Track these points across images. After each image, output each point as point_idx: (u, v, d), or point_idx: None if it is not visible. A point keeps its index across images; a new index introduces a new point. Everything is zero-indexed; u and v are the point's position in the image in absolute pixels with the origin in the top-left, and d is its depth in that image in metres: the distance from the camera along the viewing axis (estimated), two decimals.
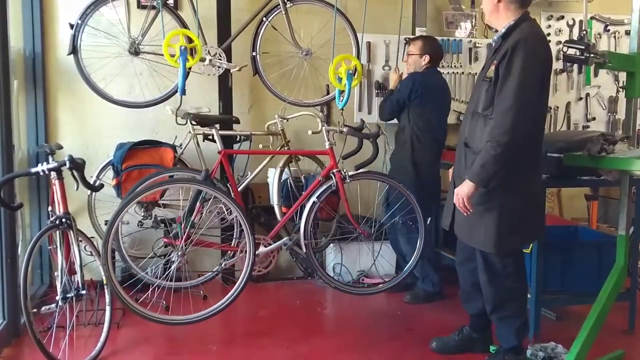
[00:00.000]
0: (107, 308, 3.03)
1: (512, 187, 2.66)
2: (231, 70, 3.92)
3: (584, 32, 2.81)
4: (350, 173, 3.54)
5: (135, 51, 3.71)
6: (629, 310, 3.39)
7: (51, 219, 3.01)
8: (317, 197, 3.48)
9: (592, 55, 2.74)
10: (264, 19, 4.04)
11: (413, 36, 4.28)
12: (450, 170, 3.08)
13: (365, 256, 4.21)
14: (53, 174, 2.87)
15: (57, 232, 2.88)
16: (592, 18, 4.80)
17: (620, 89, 4.67)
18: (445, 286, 3.93)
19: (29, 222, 3.90)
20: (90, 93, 3.72)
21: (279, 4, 3.98)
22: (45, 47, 3.95)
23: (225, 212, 3.60)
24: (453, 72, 4.53)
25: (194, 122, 3.61)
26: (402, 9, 4.33)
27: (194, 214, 3.33)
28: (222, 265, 3.54)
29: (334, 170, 3.51)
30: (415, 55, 3.89)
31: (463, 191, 2.63)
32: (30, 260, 2.72)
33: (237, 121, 3.91)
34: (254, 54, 4.05)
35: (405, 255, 3.94)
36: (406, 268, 3.72)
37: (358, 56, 4.00)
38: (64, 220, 2.85)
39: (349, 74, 3.60)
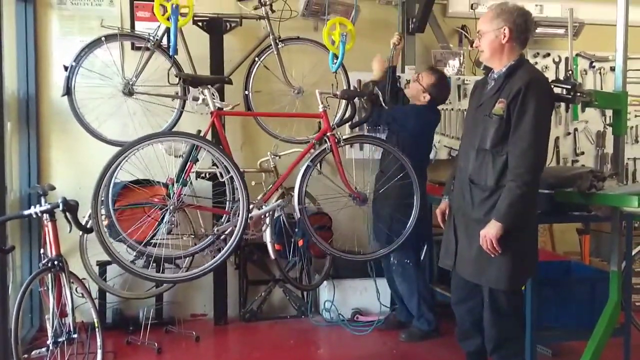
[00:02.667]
0: (99, 352, 2.98)
1: (524, 224, 2.71)
2: (224, 109, 3.95)
3: (570, 72, 2.87)
4: (344, 136, 3.48)
5: (129, 92, 3.75)
6: (623, 346, 3.37)
7: (43, 262, 2.99)
8: (311, 161, 3.41)
9: (578, 94, 2.80)
10: (257, 59, 4.11)
11: (431, 67, 4.29)
12: (442, 206, 3.10)
13: (359, 294, 4.19)
14: (46, 215, 2.86)
15: (49, 274, 2.86)
16: (577, 55, 4.91)
17: (608, 126, 4.74)
18: (441, 323, 3.90)
19: (20, 264, 3.86)
20: (84, 133, 3.73)
21: (271, 45, 4.06)
22: (39, 89, 3.99)
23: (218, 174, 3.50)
24: (443, 109, 4.57)
25: (186, 83, 3.52)
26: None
27: (186, 172, 3.26)
28: (216, 230, 3.45)
29: (328, 134, 3.43)
30: (419, 87, 3.85)
31: (491, 233, 2.62)
32: (22, 304, 2.69)
33: (230, 82, 3.75)
34: (246, 92, 4.11)
35: (401, 295, 3.93)
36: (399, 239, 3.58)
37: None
38: (56, 262, 2.84)
39: (343, 36, 3.55)
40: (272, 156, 3.93)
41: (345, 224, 4.32)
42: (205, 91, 3.39)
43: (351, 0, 4.27)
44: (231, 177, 3.30)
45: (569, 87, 2.78)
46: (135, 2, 4.16)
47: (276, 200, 3.80)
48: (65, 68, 3.61)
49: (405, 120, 3.80)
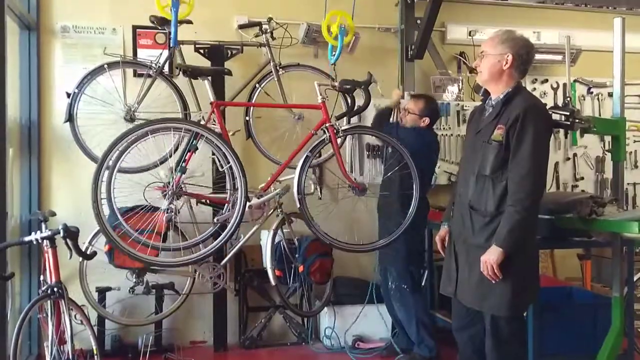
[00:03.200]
0: None
1: (525, 249, 2.71)
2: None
3: (569, 99, 2.90)
4: (342, 127, 3.49)
5: (130, 118, 3.77)
6: None
7: (43, 289, 2.97)
8: (310, 151, 3.43)
9: (577, 120, 2.83)
10: (257, 85, 4.15)
11: (415, 94, 4.34)
12: (442, 233, 3.10)
13: (359, 320, 4.16)
14: (46, 242, 2.86)
15: (49, 301, 2.85)
16: (575, 81, 4.95)
17: (607, 152, 4.76)
18: (442, 350, 3.86)
19: (19, 290, 3.84)
20: (85, 159, 3.74)
21: (271, 71, 4.10)
22: (42, 115, 4.02)
23: (217, 162, 3.51)
24: (442, 134, 4.61)
25: (185, 74, 3.52)
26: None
27: (185, 161, 3.27)
28: (217, 220, 3.45)
29: (327, 125, 3.45)
30: (415, 116, 3.90)
31: (492, 259, 2.61)
32: (21, 331, 2.67)
33: (229, 73, 3.80)
34: (247, 118, 4.14)
35: (401, 322, 3.90)
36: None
37: (348, 120, 4.07)
38: (55, 289, 2.82)
39: (342, 28, 3.56)
40: None
41: (346, 216, 4.30)
42: (206, 82, 3.44)
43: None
44: (230, 167, 3.31)
45: (568, 113, 2.81)
46: (137, 30, 4.21)
47: (275, 227, 3.81)
48: (68, 95, 3.64)
49: (409, 139, 3.81)
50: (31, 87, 3.96)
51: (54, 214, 3.53)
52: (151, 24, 3.89)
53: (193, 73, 3.51)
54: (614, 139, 3.08)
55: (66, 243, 2.83)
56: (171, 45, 3.52)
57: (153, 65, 3.80)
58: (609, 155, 4.46)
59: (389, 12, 4.74)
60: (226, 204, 3.47)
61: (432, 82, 4.77)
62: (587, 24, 5.03)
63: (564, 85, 4.97)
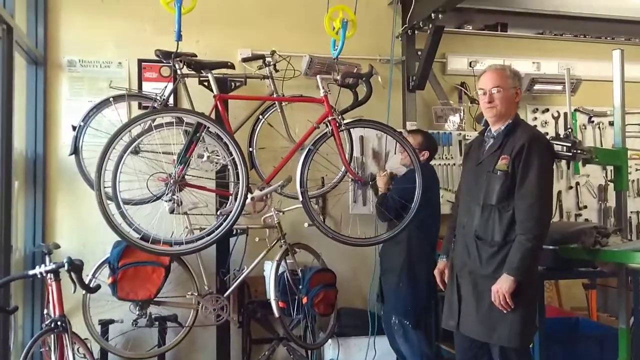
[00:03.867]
0: None
1: (532, 278, 2.71)
2: (228, 167, 4.00)
3: (570, 130, 2.92)
4: (345, 121, 3.47)
5: (135, 151, 3.79)
6: None
7: (46, 322, 2.97)
8: (312, 145, 3.40)
9: (579, 151, 2.85)
10: (261, 116, 4.19)
11: (412, 129, 4.39)
12: (441, 266, 3.08)
13: (364, 352, 4.12)
14: (50, 275, 2.86)
15: (52, 335, 2.83)
16: (576, 110, 5.00)
17: (609, 182, 4.78)
18: None
19: (22, 323, 3.82)
20: (89, 191, 3.73)
21: (274, 102, 4.14)
22: (47, 148, 4.06)
23: (220, 156, 3.47)
24: (444, 164, 4.63)
25: (189, 67, 3.51)
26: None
27: (189, 152, 3.27)
28: (220, 213, 3.43)
29: (329, 118, 3.42)
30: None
31: (504, 288, 2.61)
32: None
33: (232, 66, 3.77)
34: (250, 149, 4.16)
35: (404, 356, 3.86)
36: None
37: (351, 150, 4.10)
38: (59, 323, 2.82)
39: (344, 22, 3.56)
40: (276, 212, 3.95)
41: (345, 279, 4.29)
42: (210, 76, 3.46)
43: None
44: (233, 160, 3.34)
45: (569, 144, 2.83)
46: (142, 63, 4.27)
47: (279, 258, 3.81)
48: (74, 128, 3.66)
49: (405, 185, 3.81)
50: (37, 120, 4.00)
51: (58, 247, 3.54)
52: (156, 58, 3.94)
53: (196, 66, 3.53)
54: (616, 169, 3.10)
55: (70, 276, 2.83)
56: (175, 40, 3.44)
57: (158, 98, 3.84)
58: (611, 184, 4.48)
59: (389, 44, 4.80)
60: (230, 196, 3.47)
61: (433, 112, 4.81)
62: (586, 54, 5.10)
63: (565, 115, 5.00)
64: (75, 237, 4.07)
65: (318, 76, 3.54)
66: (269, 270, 3.86)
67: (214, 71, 3.56)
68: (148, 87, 4.22)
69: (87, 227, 4.11)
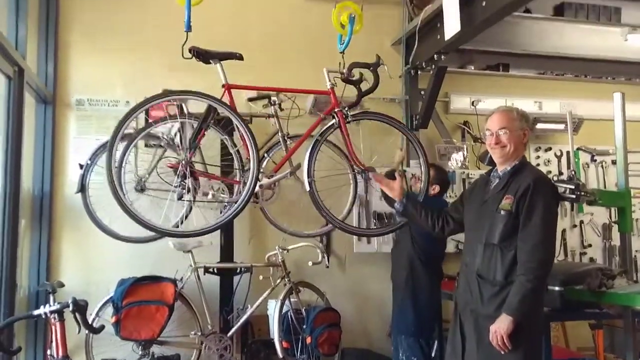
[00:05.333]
0: None
1: (534, 319, 2.69)
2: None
3: (573, 172, 2.94)
4: (351, 112, 3.47)
5: (141, 188, 3.82)
6: None
7: None
8: (320, 135, 3.42)
9: (582, 193, 2.86)
10: (266, 155, 4.21)
11: None
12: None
13: None
14: (54, 315, 2.84)
15: None
16: (578, 149, 5.03)
17: (613, 223, 4.78)
18: None
19: None
20: (94, 229, 3.77)
21: (279, 141, 4.17)
22: (54, 186, 4.10)
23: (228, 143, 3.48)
24: (448, 202, 4.64)
25: (199, 58, 3.44)
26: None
27: (199, 137, 3.27)
28: (229, 202, 3.42)
29: (336, 110, 3.43)
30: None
31: (502, 328, 2.59)
32: None
33: (241, 57, 3.62)
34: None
35: None
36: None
37: (355, 189, 4.11)
38: None
39: (351, 18, 3.56)
40: (280, 250, 3.96)
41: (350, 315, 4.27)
42: (218, 66, 3.43)
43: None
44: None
45: (573, 187, 2.84)
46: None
47: (283, 297, 3.80)
48: (81, 166, 3.70)
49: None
50: (45, 158, 4.05)
51: (62, 285, 3.53)
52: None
53: (205, 56, 3.49)
54: (620, 211, 3.11)
55: (75, 317, 2.81)
56: (185, 30, 3.36)
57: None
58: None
59: (393, 83, 4.86)
60: (237, 185, 3.45)
61: (437, 150, 4.84)
62: (587, 94, 5.16)
63: (567, 152, 5.03)
64: (79, 275, 4.07)
65: (325, 69, 3.55)
66: (273, 309, 3.85)
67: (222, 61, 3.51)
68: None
69: (91, 265, 4.12)
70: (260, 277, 4.01)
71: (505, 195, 2.75)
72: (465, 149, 4.89)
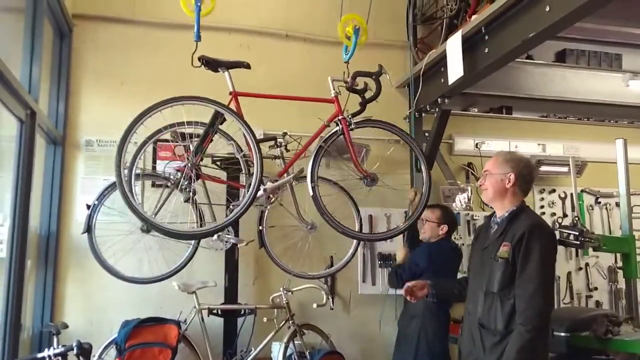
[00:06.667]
0: None
1: None
2: (238, 245, 4.04)
3: (577, 218, 2.96)
4: (355, 120, 3.53)
5: (147, 229, 3.84)
6: None
7: None
8: (323, 142, 3.50)
9: (586, 239, 2.87)
10: (271, 195, 4.25)
11: (431, 204, 4.43)
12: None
13: None
14: (58, 358, 2.84)
15: None
16: (582, 191, 5.04)
17: (618, 269, 4.75)
18: None
19: None
20: (99, 269, 3.78)
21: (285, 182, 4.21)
22: (61, 226, 4.13)
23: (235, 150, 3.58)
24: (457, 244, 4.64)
25: (207, 66, 3.52)
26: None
27: (205, 142, 3.35)
28: (233, 206, 3.42)
29: (340, 117, 3.53)
30: (433, 224, 3.97)
31: None
32: None
33: (248, 66, 3.67)
34: (260, 228, 4.19)
35: None
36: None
37: (360, 229, 4.13)
38: None
39: (356, 30, 3.67)
40: (285, 292, 3.95)
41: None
42: (226, 74, 3.52)
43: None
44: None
45: (577, 233, 2.85)
46: (157, 142, 4.38)
47: (287, 340, 3.77)
48: (88, 206, 3.74)
49: (427, 257, 3.83)
50: (53, 198, 4.09)
51: (66, 326, 3.53)
52: (171, 138, 4.06)
53: (213, 65, 3.58)
54: (624, 256, 3.10)
55: None
56: (194, 40, 3.52)
57: (171, 177, 3.92)
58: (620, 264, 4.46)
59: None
60: (242, 189, 3.55)
61: (441, 192, 4.87)
62: (590, 136, 5.21)
63: (572, 195, 5.05)
64: (83, 315, 4.07)
65: (329, 77, 3.65)
66: (277, 352, 3.83)
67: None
68: (162, 166, 4.30)
69: (95, 305, 4.12)
70: (265, 319, 3.99)
71: (503, 242, 2.76)
72: (469, 191, 4.92)
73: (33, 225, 3.80)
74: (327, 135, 3.58)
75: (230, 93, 3.56)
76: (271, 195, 3.66)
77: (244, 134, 3.40)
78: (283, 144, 4.24)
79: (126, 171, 3.29)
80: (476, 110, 5.12)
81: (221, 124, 3.45)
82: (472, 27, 3.69)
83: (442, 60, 4.12)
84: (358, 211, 4.17)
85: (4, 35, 3.26)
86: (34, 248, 3.91)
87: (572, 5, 2.82)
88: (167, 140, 4.23)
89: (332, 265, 4.48)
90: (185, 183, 3.36)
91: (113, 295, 4.12)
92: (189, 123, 3.49)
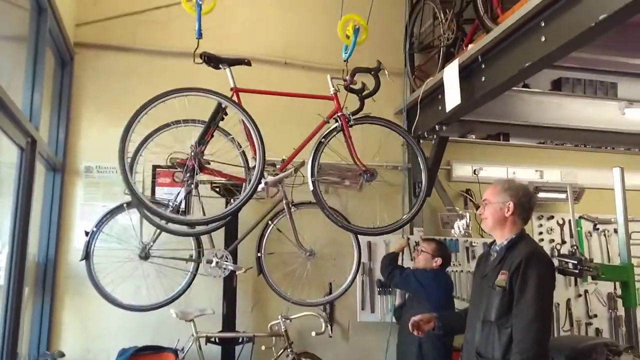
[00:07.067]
0: None
1: None
2: (237, 272, 4.02)
3: (575, 247, 2.96)
4: (354, 117, 3.61)
5: (145, 256, 3.84)
6: None
7: None
8: (323, 137, 3.58)
9: (585, 268, 2.87)
10: (270, 222, 4.24)
11: (426, 237, 4.49)
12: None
13: None
14: None
15: None
16: (580, 217, 5.04)
17: (618, 297, 4.74)
18: None
19: None
20: (96, 297, 3.75)
21: (284, 209, 4.21)
22: (59, 253, 4.12)
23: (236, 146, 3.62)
24: (453, 270, 4.63)
25: (209, 63, 3.56)
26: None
27: (207, 134, 3.39)
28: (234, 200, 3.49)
29: (339, 114, 3.62)
30: (428, 255, 4.00)
31: None
32: None
33: (249, 63, 3.73)
34: (259, 254, 4.18)
35: None
36: None
37: (359, 257, 4.12)
38: None
39: (356, 29, 3.72)
40: (283, 319, 3.93)
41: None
42: (227, 70, 3.58)
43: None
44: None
45: (576, 262, 2.85)
46: (157, 169, 4.41)
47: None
48: (86, 233, 3.73)
49: (428, 282, 3.85)
50: (51, 225, 4.09)
51: (62, 355, 3.50)
52: (170, 165, 4.07)
53: (215, 61, 3.63)
54: (623, 285, 3.10)
55: None
56: (196, 37, 3.57)
57: (170, 203, 3.93)
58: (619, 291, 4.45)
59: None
60: (243, 183, 3.58)
61: (440, 218, 4.87)
62: (588, 163, 5.23)
63: (570, 221, 5.05)
64: (79, 343, 4.05)
65: (328, 75, 3.76)
66: None
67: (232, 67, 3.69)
68: (161, 192, 4.33)
69: (92, 333, 4.09)
70: (263, 347, 3.97)
71: (501, 271, 2.75)
72: (468, 217, 4.92)
73: (31, 252, 3.79)
74: (327, 131, 3.66)
75: (232, 89, 3.64)
76: (272, 188, 3.74)
77: (244, 129, 3.50)
78: (280, 190, 4.27)
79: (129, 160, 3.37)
80: (474, 137, 5.15)
81: (222, 119, 3.52)
82: (468, 56, 3.74)
83: (439, 87, 4.16)
84: (357, 237, 4.17)
85: (6, 63, 3.29)
86: (31, 275, 3.89)
87: (567, 36, 2.86)
88: (166, 167, 4.28)
89: (330, 293, 4.46)
90: (188, 175, 3.42)
91: (110, 323, 4.09)
92: (189, 120, 3.55)
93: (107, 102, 4.44)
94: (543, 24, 3.04)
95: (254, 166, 3.44)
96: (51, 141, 4.14)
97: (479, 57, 3.67)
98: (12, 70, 3.43)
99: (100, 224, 3.77)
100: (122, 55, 4.54)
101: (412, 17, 5.00)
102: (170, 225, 3.65)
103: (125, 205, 3.83)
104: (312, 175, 3.59)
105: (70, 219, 4.21)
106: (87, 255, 3.71)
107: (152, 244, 3.86)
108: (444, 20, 4.33)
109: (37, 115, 3.42)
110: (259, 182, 3.47)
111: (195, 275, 3.95)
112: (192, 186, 3.48)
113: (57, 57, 4.21)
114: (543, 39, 3.04)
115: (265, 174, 3.60)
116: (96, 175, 4.33)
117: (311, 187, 3.58)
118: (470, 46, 3.81)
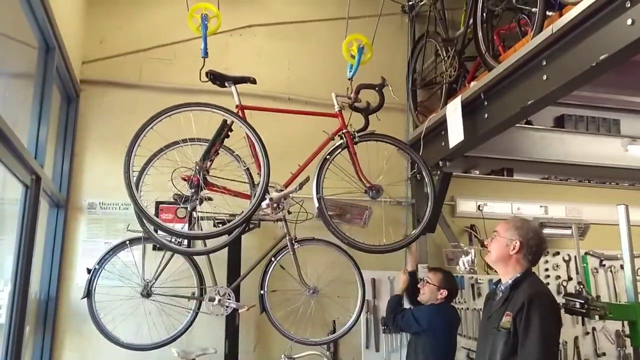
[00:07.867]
0: None
1: None
2: (239, 310, 3.98)
3: (582, 287, 2.93)
4: (358, 134, 3.64)
5: (147, 293, 3.80)
6: None
7: None
8: (329, 154, 3.62)
9: (592, 308, 2.83)
10: (273, 259, 4.22)
11: (433, 267, 4.45)
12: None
13: None
14: None
15: None
16: (586, 254, 5.00)
17: (626, 337, 4.68)
18: None
19: None
20: (96, 335, 3.72)
21: (287, 245, 4.19)
22: (60, 290, 4.09)
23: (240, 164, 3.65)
24: (458, 308, 4.58)
25: (214, 82, 3.60)
26: None
27: (212, 150, 3.44)
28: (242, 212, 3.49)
29: (344, 131, 3.68)
30: (433, 287, 3.98)
31: None
32: None
33: (254, 81, 3.75)
34: (262, 292, 4.14)
35: None
36: None
37: (363, 294, 4.08)
38: None
39: (360, 48, 3.80)
40: (286, 358, 3.86)
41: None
42: (233, 88, 3.62)
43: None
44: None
45: (583, 301, 2.82)
46: (160, 205, 4.39)
47: None
48: (88, 271, 3.71)
49: (430, 320, 3.82)
50: (53, 262, 4.06)
51: None
52: (173, 201, 4.07)
53: (221, 79, 3.67)
54: (631, 324, 3.05)
55: None
56: (202, 56, 3.63)
57: (173, 240, 3.91)
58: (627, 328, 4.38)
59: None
60: (249, 200, 3.57)
61: (445, 255, 4.83)
62: (592, 198, 5.21)
63: (576, 257, 5.00)
64: None
65: (333, 93, 3.81)
66: None
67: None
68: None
69: None
70: None
71: (506, 312, 2.73)
72: (473, 253, 4.88)
73: (32, 290, 3.75)
74: (332, 148, 3.70)
75: (237, 106, 3.69)
76: (277, 205, 3.73)
77: (249, 144, 3.55)
78: (285, 207, 4.25)
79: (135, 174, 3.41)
80: (477, 173, 5.14)
81: (227, 135, 3.56)
82: (471, 93, 3.76)
83: (442, 123, 4.17)
84: (361, 274, 4.13)
85: (13, 100, 3.33)
86: (32, 313, 3.86)
87: (569, 75, 2.87)
88: (170, 203, 4.28)
89: (334, 331, 4.40)
90: (192, 191, 3.45)
91: None
92: (195, 139, 3.60)
93: (111, 138, 4.45)
94: (544, 63, 3.06)
95: (259, 182, 3.49)
96: (55, 177, 4.15)
97: (482, 94, 3.69)
98: (19, 107, 3.46)
99: (103, 261, 3.76)
100: (127, 91, 4.59)
101: (414, 54, 5.05)
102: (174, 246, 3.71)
103: (127, 242, 3.82)
104: (317, 192, 3.61)
105: (73, 256, 4.19)
106: (88, 293, 3.68)
107: (154, 281, 3.84)
108: (446, 58, 4.37)
109: (42, 152, 3.44)
110: (264, 197, 3.49)
111: (197, 313, 3.92)
112: (197, 202, 3.50)
113: (63, 94, 4.25)
114: (545, 77, 3.06)
115: (270, 189, 3.63)
116: (99, 211, 4.32)
117: (316, 204, 3.61)
118: (472, 83, 3.84)
